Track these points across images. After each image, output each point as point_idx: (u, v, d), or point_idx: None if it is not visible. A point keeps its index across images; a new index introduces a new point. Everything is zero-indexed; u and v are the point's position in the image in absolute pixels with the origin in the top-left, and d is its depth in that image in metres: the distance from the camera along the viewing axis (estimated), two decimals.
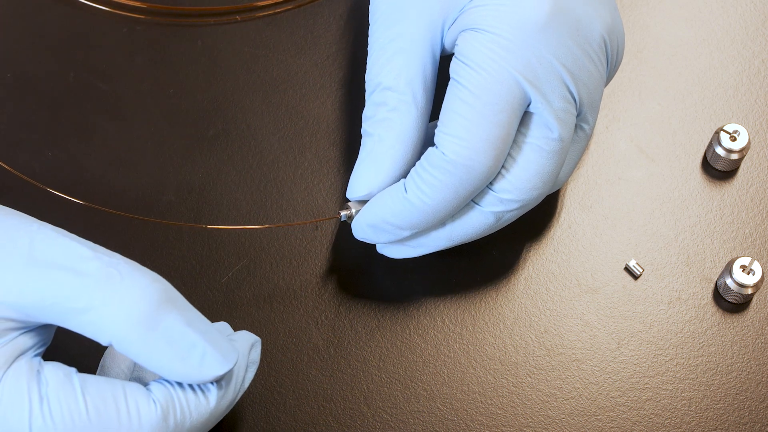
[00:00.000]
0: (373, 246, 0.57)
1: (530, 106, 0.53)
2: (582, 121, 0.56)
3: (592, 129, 0.57)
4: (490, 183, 0.54)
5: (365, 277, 0.59)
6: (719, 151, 0.61)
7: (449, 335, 0.58)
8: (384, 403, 0.56)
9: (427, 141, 0.56)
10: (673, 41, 0.65)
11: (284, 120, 0.63)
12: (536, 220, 0.60)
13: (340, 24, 0.66)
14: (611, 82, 0.64)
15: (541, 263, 0.60)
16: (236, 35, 0.65)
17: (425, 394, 0.57)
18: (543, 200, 0.61)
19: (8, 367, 0.46)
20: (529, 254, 0.60)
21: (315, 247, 0.59)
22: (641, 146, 0.62)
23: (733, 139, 0.61)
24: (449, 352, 0.58)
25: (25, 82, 0.63)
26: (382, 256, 0.58)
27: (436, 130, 0.53)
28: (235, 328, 0.52)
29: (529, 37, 0.53)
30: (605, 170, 0.62)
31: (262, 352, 0.55)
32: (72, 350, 0.53)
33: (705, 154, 0.62)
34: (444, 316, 0.58)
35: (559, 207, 0.61)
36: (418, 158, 0.55)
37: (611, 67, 0.57)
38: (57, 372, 0.46)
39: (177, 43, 0.65)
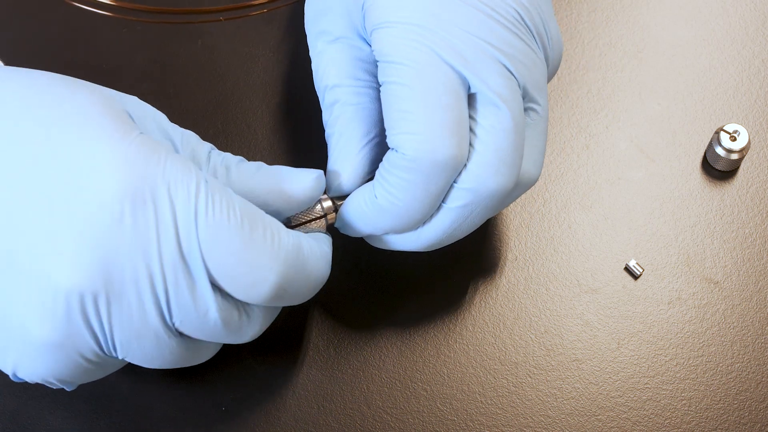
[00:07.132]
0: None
1: (471, 88, 0.51)
2: (530, 102, 0.53)
3: (545, 111, 0.54)
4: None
5: (366, 277, 0.59)
6: (719, 151, 0.61)
7: (449, 335, 0.58)
8: (384, 403, 0.56)
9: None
10: (673, 41, 0.65)
11: (284, 120, 0.63)
12: (536, 220, 0.60)
13: None
14: (611, 83, 0.64)
15: (541, 263, 0.60)
16: (236, 35, 0.65)
17: (425, 394, 0.57)
18: (542, 199, 0.61)
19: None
20: (530, 254, 0.60)
21: None
22: (641, 146, 0.62)
23: (733, 139, 0.61)
24: (449, 352, 0.58)
25: None
26: (383, 256, 0.58)
27: (387, 137, 0.51)
28: None
29: (436, 15, 0.51)
30: (605, 170, 0.62)
31: (262, 353, 0.55)
32: None
33: (705, 154, 0.62)
34: (444, 316, 0.58)
35: (559, 207, 0.61)
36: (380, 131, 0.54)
37: (546, 50, 0.54)
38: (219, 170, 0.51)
39: (177, 43, 0.65)
